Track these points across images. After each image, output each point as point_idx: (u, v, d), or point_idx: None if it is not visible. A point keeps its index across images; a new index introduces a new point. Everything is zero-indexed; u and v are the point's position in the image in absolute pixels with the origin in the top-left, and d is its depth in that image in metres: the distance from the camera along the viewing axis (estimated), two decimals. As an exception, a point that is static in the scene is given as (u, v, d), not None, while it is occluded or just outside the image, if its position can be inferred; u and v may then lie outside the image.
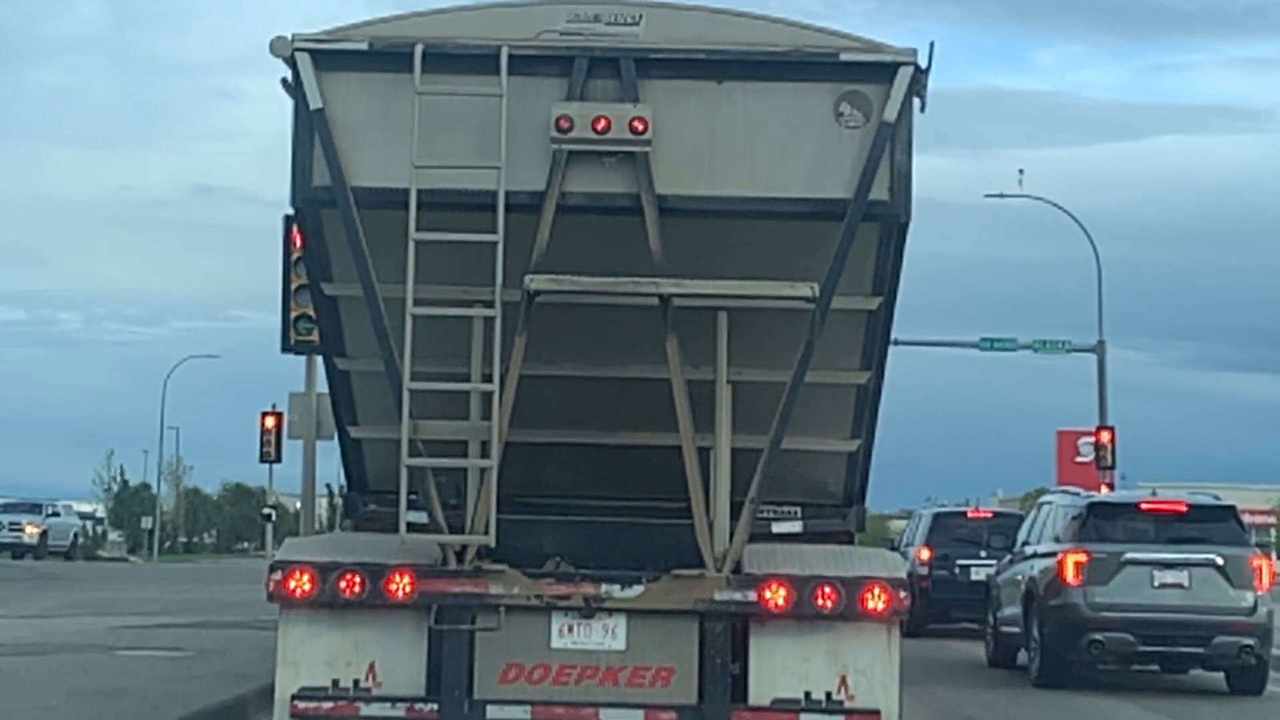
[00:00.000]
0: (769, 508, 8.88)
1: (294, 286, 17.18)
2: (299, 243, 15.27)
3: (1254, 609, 15.83)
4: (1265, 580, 16.06)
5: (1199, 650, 15.84)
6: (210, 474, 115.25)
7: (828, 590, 7.77)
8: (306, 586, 7.84)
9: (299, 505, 26.53)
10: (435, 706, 7.73)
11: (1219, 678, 16.49)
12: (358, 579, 7.80)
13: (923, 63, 7.57)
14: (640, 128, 7.48)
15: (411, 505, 7.65)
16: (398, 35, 7.56)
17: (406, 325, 7.52)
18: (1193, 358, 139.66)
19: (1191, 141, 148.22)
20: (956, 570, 23.60)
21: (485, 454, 7.69)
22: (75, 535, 54.41)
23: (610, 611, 7.79)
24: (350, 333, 8.51)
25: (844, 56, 7.57)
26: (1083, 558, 16.08)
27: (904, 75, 7.54)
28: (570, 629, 7.81)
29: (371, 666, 7.85)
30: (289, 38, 7.57)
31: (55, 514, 53.08)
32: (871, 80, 7.57)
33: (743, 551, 7.89)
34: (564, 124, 7.47)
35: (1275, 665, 16.67)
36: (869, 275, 8.05)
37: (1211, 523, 16.54)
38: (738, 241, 7.86)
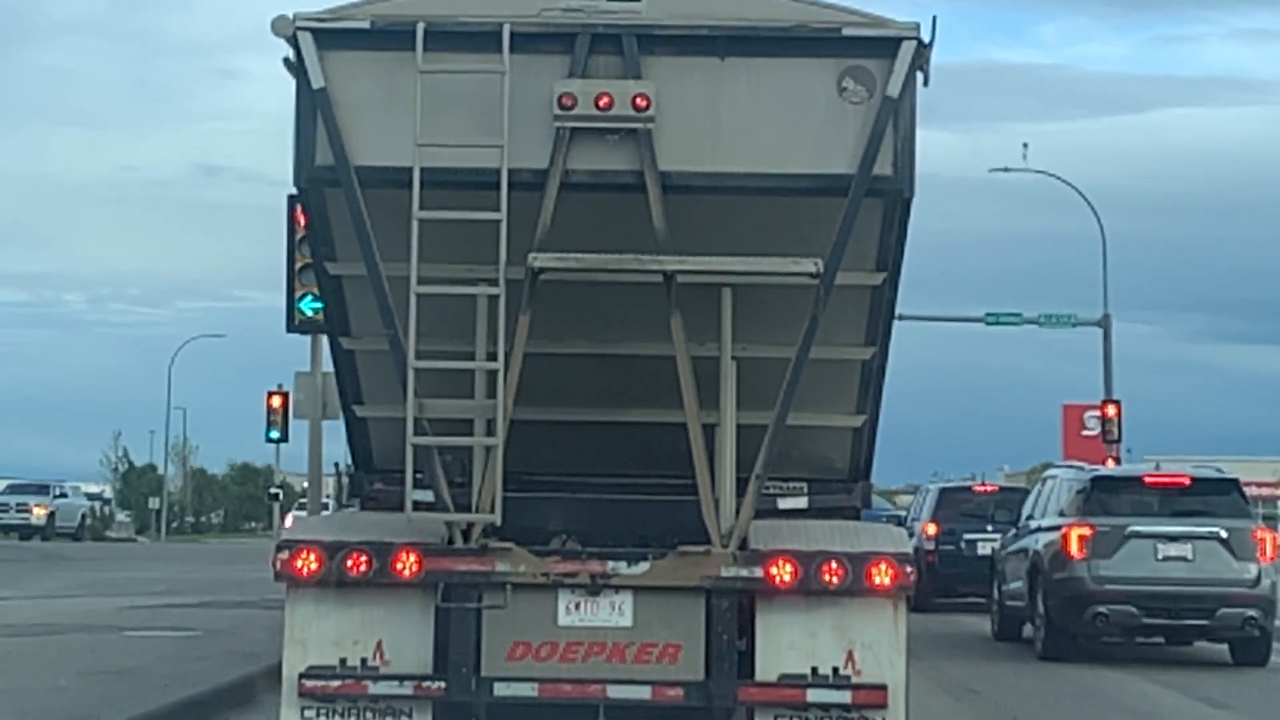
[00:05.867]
0: (775, 484, 8.88)
1: (298, 266, 17.14)
2: (303, 222, 15.26)
3: (1257, 581, 15.89)
4: (1269, 552, 16.10)
5: (1203, 622, 15.90)
6: (217, 454, 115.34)
7: (834, 566, 7.78)
8: (314, 566, 7.85)
9: (305, 484, 26.58)
10: (443, 684, 7.75)
11: (1223, 649, 16.54)
12: (364, 558, 7.82)
13: (926, 37, 7.55)
14: (643, 104, 7.47)
15: (417, 484, 7.66)
16: (400, 14, 7.55)
17: (411, 304, 7.53)
18: (1199, 331, 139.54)
19: (1196, 114, 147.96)
20: (963, 545, 23.62)
21: (490, 432, 7.70)
22: (83, 516, 54.48)
23: (617, 589, 7.80)
24: (355, 312, 8.51)
25: (847, 31, 7.55)
26: (1087, 531, 16.12)
27: (907, 50, 7.52)
28: (577, 606, 7.82)
29: (379, 645, 7.87)
30: (291, 17, 7.56)
31: (63, 495, 53.15)
32: (874, 55, 7.55)
33: (749, 528, 7.90)
34: (567, 101, 7.47)
35: (1279, 636, 16.70)
36: (873, 251, 8.05)
37: (1215, 495, 16.59)
38: (741, 218, 7.85)
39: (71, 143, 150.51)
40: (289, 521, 69.62)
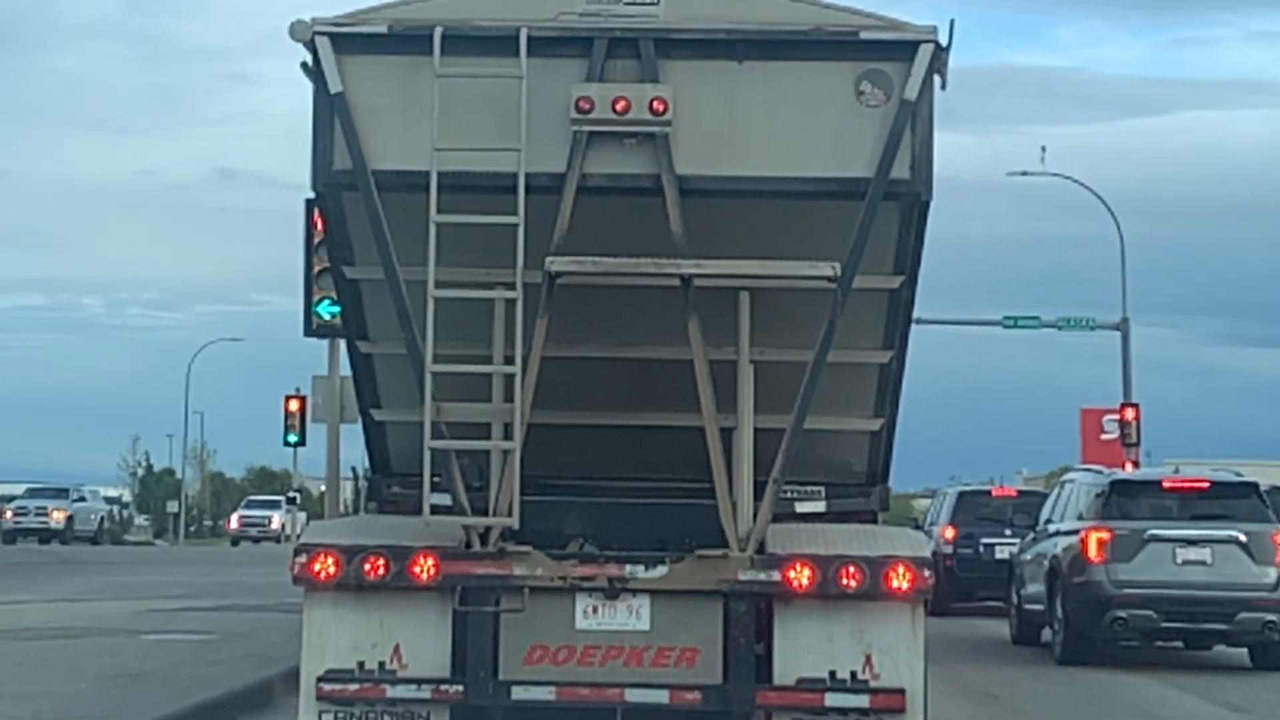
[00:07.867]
0: (792, 487, 8.86)
1: (316, 270, 17.18)
2: (320, 226, 15.30)
3: (1276, 585, 15.82)
4: (1289, 556, 16.02)
5: (1222, 626, 15.84)
6: (235, 458, 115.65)
7: (852, 570, 7.77)
8: (331, 569, 7.86)
9: (323, 488, 26.64)
10: (460, 688, 7.76)
11: (1242, 654, 16.49)
12: (382, 561, 7.83)
13: (943, 40, 7.55)
14: (660, 108, 7.47)
15: (435, 488, 7.67)
16: (417, 18, 7.56)
17: (428, 308, 7.54)
18: (1217, 334, 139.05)
19: (1214, 117, 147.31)
20: (981, 549, 23.58)
21: (508, 436, 7.70)
22: (101, 519, 54.68)
23: (634, 592, 7.80)
24: (372, 316, 8.52)
25: (864, 35, 7.55)
26: (1106, 535, 16.08)
27: (925, 53, 7.52)
28: (595, 610, 7.82)
29: (397, 649, 7.88)
30: (308, 21, 7.58)
31: (81, 499, 53.35)
32: (892, 58, 7.55)
33: (766, 531, 7.89)
34: (584, 105, 7.47)
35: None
36: (891, 254, 8.04)
37: (1234, 499, 16.53)
38: (759, 221, 7.85)
39: (88, 147, 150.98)
40: (234, 522, 69.14)
